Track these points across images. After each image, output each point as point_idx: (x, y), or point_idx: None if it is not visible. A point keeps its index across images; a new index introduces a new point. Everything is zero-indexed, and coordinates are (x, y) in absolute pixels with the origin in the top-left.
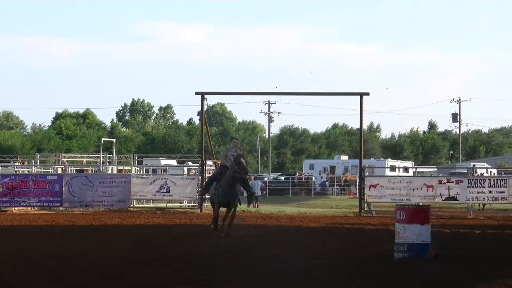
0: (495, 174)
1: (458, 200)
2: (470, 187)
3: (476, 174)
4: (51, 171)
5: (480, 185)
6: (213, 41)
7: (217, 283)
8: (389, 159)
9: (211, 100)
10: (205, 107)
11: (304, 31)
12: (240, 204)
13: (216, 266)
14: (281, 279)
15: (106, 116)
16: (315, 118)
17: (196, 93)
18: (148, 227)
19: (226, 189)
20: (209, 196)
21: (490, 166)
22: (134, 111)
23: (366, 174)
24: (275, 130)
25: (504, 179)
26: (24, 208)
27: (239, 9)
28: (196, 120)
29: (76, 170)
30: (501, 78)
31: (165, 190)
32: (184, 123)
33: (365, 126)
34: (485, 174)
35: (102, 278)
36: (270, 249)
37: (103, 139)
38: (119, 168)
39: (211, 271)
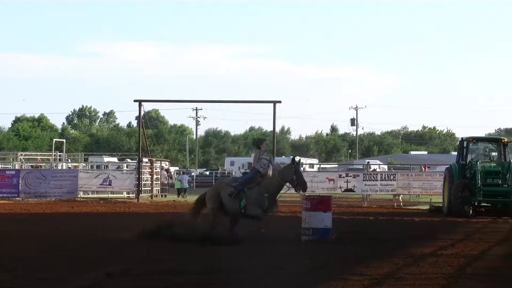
0: (386, 170)
1: (355, 191)
2: (365, 180)
3: (370, 170)
4: (10, 167)
5: (373, 179)
6: (149, 57)
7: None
8: (297, 157)
9: (147, 107)
10: (142, 113)
11: (225, 48)
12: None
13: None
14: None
15: (58, 120)
16: (235, 122)
17: (135, 101)
18: (93, 215)
19: (271, 197)
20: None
21: (382, 163)
22: (82, 115)
23: None
24: (201, 132)
25: (393, 174)
26: None
27: (173, 29)
28: (135, 123)
29: (31, 166)
30: (391, 88)
31: (107, 183)
32: (124, 126)
33: (278, 129)
34: (378, 170)
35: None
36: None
37: (54, 139)
38: (69, 164)
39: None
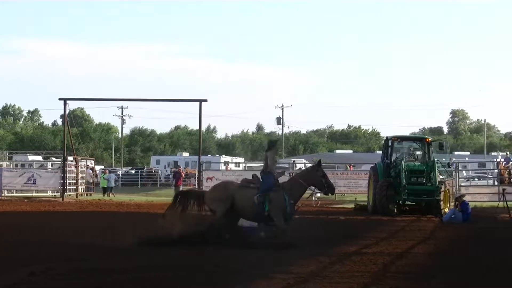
0: None
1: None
2: None
3: (296, 169)
4: None
5: None
6: (74, 55)
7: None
8: (224, 156)
9: (72, 105)
10: (67, 111)
11: (150, 47)
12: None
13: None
14: (137, 256)
15: None
16: (161, 121)
17: (60, 99)
18: (17, 214)
19: (294, 203)
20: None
21: (307, 162)
22: (6, 114)
23: (204, 168)
24: (127, 130)
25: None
26: None
27: (95, 27)
28: (59, 122)
29: None
30: (316, 88)
31: (32, 182)
32: (49, 124)
33: (203, 127)
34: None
35: None
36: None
37: None
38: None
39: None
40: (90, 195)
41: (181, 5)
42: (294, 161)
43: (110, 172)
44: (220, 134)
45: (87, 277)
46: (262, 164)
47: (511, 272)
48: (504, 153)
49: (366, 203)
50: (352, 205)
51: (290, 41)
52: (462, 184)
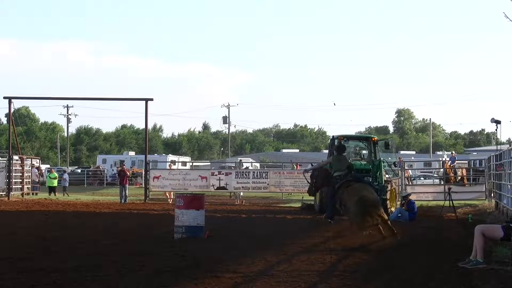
0: (258, 168)
1: (227, 189)
2: (237, 178)
3: (243, 168)
4: None
5: (245, 177)
6: (18, 52)
7: None
8: (170, 155)
9: (17, 104)
10: (12, 110)
11: (95, 45)
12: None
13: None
14: (78, 256)
15: None
16: (107, 120)
17: (4, 98)
18: None
19: None
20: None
21: (254, 161)
22: None
23: (150, 168)
24: (72, 129)
25: (266, 172)
26: None
27: (39, 25)
28: (4, 121)
29: None
30: (262, 88)
31: None
32: None
33: (150, 126)
34: (250, 168)
35: None
36: (70, 232)
37: None
38: None
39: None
40: (36, 194)
41: (127, 3)
42: (240, 160)
43: (65, 171)
44: (166, 133)
45: (32, 276)
46: (208, 163)
47: (455, 272)
48: (450, 153)
49: (313, 202)
50: (299, 204)
51: (235, 40)
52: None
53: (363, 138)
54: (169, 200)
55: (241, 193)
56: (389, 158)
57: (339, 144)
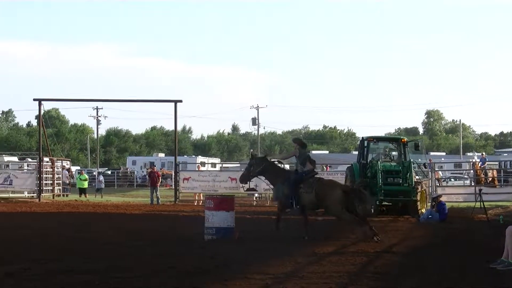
0: (288, 169)
1: (257, 190)
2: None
3: None
4: None
5: None
6: (47, 55)
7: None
8: (200, 156)
9: (47, 106)
10: (42, 112)
11: (123, 47)
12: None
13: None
14: (109, 258)
15: None
16: (136, 121)
17: (34, 100)
18: None
19: None
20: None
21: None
22: None
23: (180, 169)
24: (102, 131)
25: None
26: None
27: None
28: (34, 123)
29: None
30: (291, 89)
31: (8, 183)
32: (24, 125)
33: (179, 128)
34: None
35: None
36: (101, 233)
37: None
38: None
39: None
40: (67, 195)
41: (153, 5)
42: None
43: (99, 173)
44: (195, 135)
45: (63, 277)
46: (238, 165)
47: (487, 273)
48: (480, 154)
49: None
50: None
51: (265, 41)
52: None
53: (392, 139)
54: (195, 202)
55: (271, 195)
56: (419, 160)
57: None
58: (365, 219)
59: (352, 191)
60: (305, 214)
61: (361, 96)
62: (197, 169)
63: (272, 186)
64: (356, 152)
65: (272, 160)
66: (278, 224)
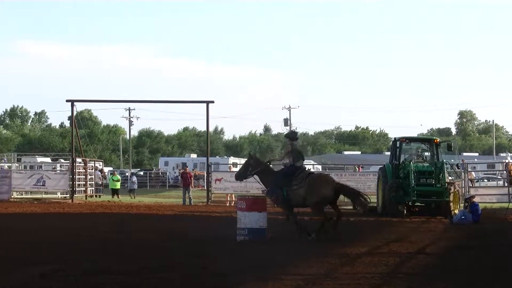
0: (320, 170)
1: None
2: None
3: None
4: None
5: None
6: (80, 56)
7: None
8: (232, 157)
9: (79, 107)
10: (75, 113)
11: (154, 48)
12: None
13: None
14: (142, 258)
15: None
16: (169, 122)
17: (67, 101)
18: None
19: None
20: None
21: (316, 163)
22: (14, 115)
23: (212, 170)
24: (134, 132)
25: (327, 174)
26: None
27: (99, 29)
28: (67, 123)
29: None
30: (323, 89)
31: (41, 184)
32: (57, 126)
33: (211, 129)
34: (312, 170)
35: None
36: (133, 234)
37: None
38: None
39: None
40: (99, 196)
41: (184, 6)
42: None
43: (132, 174)
44: (227, 136)
45: (95, 278)
46: (278, 165)
47: None
48: None
49: (375, 205)
50: None
51: (297, 42)
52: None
53: (425, 140)
54: (227, 202)
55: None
56: (452, 160)
57: (292, 133)
58: (339, 218)
59: (342, 189)
60: (290, 213)
61: (393, 97)
62: (229, 170)
63: (263, 185)
64: (389, 153)
65: (270, 163)
66: (288, 219)
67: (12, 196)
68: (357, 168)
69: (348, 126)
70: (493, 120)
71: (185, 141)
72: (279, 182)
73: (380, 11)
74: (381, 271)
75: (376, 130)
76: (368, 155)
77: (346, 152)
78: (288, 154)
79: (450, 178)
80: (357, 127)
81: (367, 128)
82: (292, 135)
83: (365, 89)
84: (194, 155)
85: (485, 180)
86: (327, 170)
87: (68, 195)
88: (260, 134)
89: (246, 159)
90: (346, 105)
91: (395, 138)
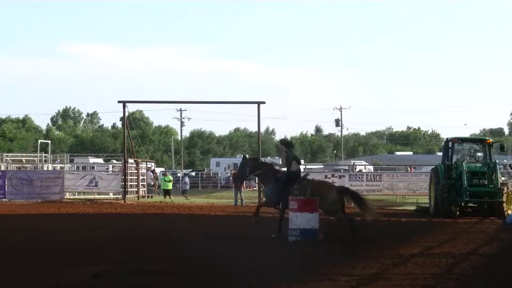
0: (372, 171)
1: None
2: (350, 181)
3: (356, 171)
4: None
5: (359, 180)
6: (131, 57)
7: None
8: None
9: (131, 108)
10: (126, 114)
11: (205, 48)
12: None
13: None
14: (192, 258)
15: (42, 121)
16: (220, 123)
17: (119, 102)
18: (79, 216)
19: None
20: None
21: (367, 164)
22: (66, 116)
23: None
24: (186, 133)
25: (379, 175)
26: None
27: (150, 30)
28: (119, 124)
29: (17, 167)
30: (375, 90)
31: (93, 184)
32: (109, 127)
33: (262, 129)
34: (363, 171)
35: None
36: (183, 235)
37: (39, 140)
38: (55, 166)
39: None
40: (152, 197)
41: (234, 8)
42: (354, 163)
43: (185, 175)
44: (279, 136)
45: (149, 279)
46: (321, 166)
47: None
48: None
49: (427, 205)
50: (413, 207)
51: (347, 43)
52: None
53: (477, 140)
54: None
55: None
56: (505, 161)
57: (287, 140)
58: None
59: (346, 192)
60: (282, 214)
61: (445, 97)
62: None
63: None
64: (441, 153)
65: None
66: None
67: (65, 197)
68: (409, 169)
69: (399, 126)
70: None
71: (237, 141)
72: (277, 188)
73: (431, 12)
74: (434, 272)
75: (428, 130)
76: (420, 156)
77: (398, 153)
78: (284, 161)
79: (503, 178)
80: (408, 128)
81: (418, 128)
82: (286, 142)
83: (417, 89)
84: None
85: None
86: (379, 171)
87: (120, 196)
88: (312, 135)
89: (241, 162)
90: (398, 105)
91: (447, 138)
